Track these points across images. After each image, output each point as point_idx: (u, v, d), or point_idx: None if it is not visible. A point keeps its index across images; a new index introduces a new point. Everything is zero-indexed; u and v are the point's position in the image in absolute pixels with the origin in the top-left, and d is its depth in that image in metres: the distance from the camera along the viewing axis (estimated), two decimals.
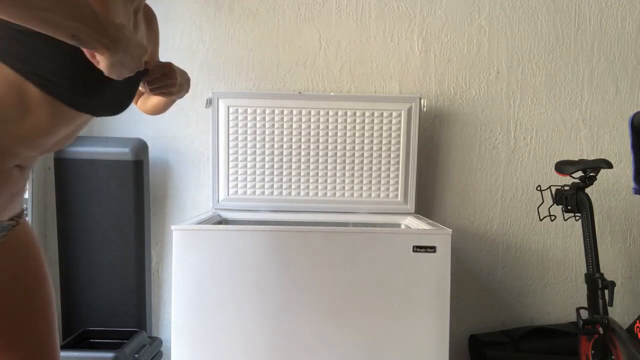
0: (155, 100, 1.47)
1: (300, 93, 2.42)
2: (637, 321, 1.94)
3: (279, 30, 2.49)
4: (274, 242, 1.75)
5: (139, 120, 2.50)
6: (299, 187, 2.33)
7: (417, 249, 1.75)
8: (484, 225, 2.55)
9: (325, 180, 2.36)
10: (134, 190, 2.32)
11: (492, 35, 2.51)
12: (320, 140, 2.34)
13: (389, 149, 2.36)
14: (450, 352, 1.77)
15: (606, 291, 1.96)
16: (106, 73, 0.92)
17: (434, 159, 2.53)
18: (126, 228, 2.33)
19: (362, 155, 2.35)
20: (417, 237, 1.76)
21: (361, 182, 2.36)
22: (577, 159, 2.19)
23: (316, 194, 2.36)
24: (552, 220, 2.27)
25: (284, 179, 2.36)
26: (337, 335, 1.76)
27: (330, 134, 2.34)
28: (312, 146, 2.34)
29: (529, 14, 2.52)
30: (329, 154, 2.35)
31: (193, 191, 2.52)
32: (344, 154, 2.35)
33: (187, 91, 1.32)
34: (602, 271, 2.02)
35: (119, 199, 2.32)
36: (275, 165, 2.36)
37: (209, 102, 2.33)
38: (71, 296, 2.37)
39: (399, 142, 2.34)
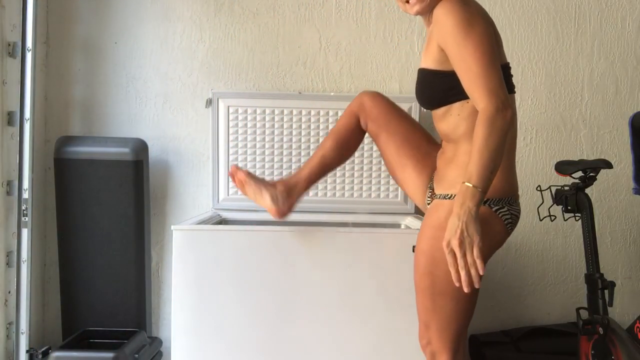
0: None
1: (300, 93, 2.42)
2: (637, 321, 1.94)
3: (279, 30, 2.49)
4: (274, 242, 1.75)
5: (139, 120, 2.50)
6: None
7: None
8: None
9: (325, 180, 2.35)
10: (134, 190, 2.32)
11: None
12: (320, 141, 2.34)
13: None
14: None
15: (606, 291, 1.96)
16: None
17: None
18: (126, 228, 2.33)
19: (362, 155, 2.35)
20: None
21: (361, 182, 2.36)
22: (577, 159, 2.19)
23: (316, 194, 2.36)
24: (552, 221, 2.27)
25: None
26: (337, 335, 1.76)
27: None
28: (312, 146, 2.34)
29: (529, 14, 2.52)
30: None
31: (193, 191, 2.52)
32: None
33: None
34: (602, 271, 2.02)
35: (119, 199, 2.32)
36: (275, 165, 2.36)
37: (209, 102, 2.33)
38: (71, 296, 2.37)
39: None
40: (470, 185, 1.21)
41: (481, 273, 1.15)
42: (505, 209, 1.39)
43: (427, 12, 1.43)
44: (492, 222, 1.36)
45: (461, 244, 1.16)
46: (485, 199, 1.27)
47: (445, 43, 1.33)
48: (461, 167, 1.34)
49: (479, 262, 1.16)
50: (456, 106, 1.42)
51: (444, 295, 1.36)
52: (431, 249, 1.36)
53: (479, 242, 1.16)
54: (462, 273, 1.15)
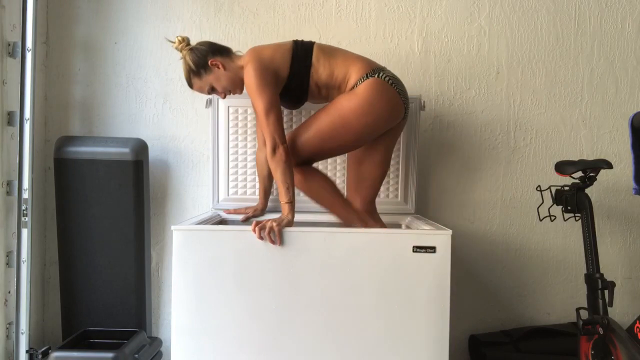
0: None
1: None
2: (637, 321, 1.95)
3: (279, 30, 2.49)
4: (274, 243, 1.75)
5: (139, 120, 2.51)
6: None
7: (417, 249, 1.74)
8: (484, 225, 2.55)
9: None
10: (134, 190, 2.32)
11: (492, 35, 2.52)
12: None
13: None
14: (450, 352, 1.77)
15: (606, 291, 1.96)
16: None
17: (434, 159, 2.53)
18: (126, 228, 2.33)
19: None
20: (417, 237, 1.76)
21: None
22: (577, 159, 2.19)
23: None
24: (552, 221, 2.27)
25: None
26: (337, 336, 1.76)
27: None
28: None
29: (529, 14, 2.52)
30: None
31: (193, 191, 2.52)
32: (344, 154, 2.34)
33: None
34: (602, 271, 2.02)
35: (119, 199, 2.32)
36: None
37: (209, 102, 2.33)
38: (71, 296, 2.37)
39: (399, 142, 2.34)
40: (283, 202, 1.84)
41: (278, 244, 1.75)
42: (379, 73, 1.92)
43: (241, 87, 2.02)
44: (377, 86, 1.90)
45: (263, 227, 1.73)
46: (355, 83, 1.91)
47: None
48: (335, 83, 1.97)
49: (275, 238, 1.74)
50: (311, 88, 1.99)
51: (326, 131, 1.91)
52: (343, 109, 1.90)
53: (277, 230, 1.73)
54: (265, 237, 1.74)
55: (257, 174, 2.29)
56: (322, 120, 1.92)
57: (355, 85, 1.92)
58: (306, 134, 1.93)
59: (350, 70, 1.94)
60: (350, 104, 1.89)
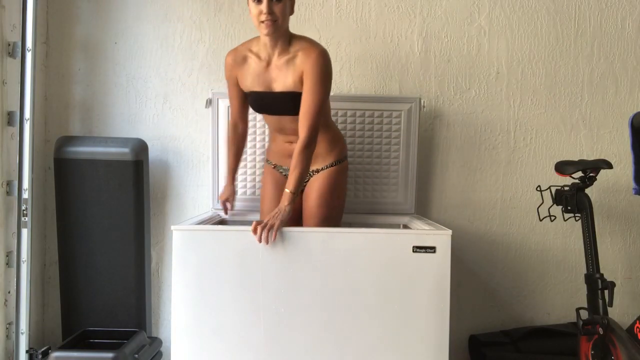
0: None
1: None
2: (637, 321, 1.95)
3: None
4: (274, 242, 1.75)
5: (139, 120, 2.50)
6: None
7: (417, 249, 1.75)
8: (483, 225, 2.55)
9: None
10: (134, 190, 2.32)
11: (492, 36, 2.52)
12: None
13: (389, 149, 2.36)
14: (450, 352, 1.77)
15: (606, 291, 1.96)
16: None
17: (434, 159, 2.53)
18: (126, 228, 2.33)
19: (362, 155, 2.35)
20: (417, 237, 1.76)
21: (361, 182, 2.36)
22: (577, 159, 2.19)
23: None
24: (552, 221, 2.27)
25: None
26: (337, 336, 1.76)
27: None
28: None
29: (529, 14, 2.52)
30: None
31: (193, 191, 2.52)
32: None
33: None
34: (602, 271, 2.02)
35: (119, 199, 2.32)
36: None
37: (209, 102, 2.33)
38: (71, 296, 2.37)
39: (399, 143, 2.34)
40: (289, 191, 1.83)
41: (273, 240, 1.74)
42: (345, 161, 2.11)
43: (277, 38, 1.89)
44: (344, 170, 2.10)
45: (267, 222, 1.75)
46: (337, 160, 2.06)
47: (307, 77, 1.87)
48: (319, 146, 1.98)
49: (271, 235, 1.73)
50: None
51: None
52: (329, 187, 2.04)
53: (276, 226, 1.74)
54: (263, 236, 1.73)
55: (228, 151, 2.19)
56: (320, 199, 2.03)
57: (331, 164, 2.05)
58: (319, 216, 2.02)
59: (328, 148, 2.05)
60: (334, 183, 2.04)
